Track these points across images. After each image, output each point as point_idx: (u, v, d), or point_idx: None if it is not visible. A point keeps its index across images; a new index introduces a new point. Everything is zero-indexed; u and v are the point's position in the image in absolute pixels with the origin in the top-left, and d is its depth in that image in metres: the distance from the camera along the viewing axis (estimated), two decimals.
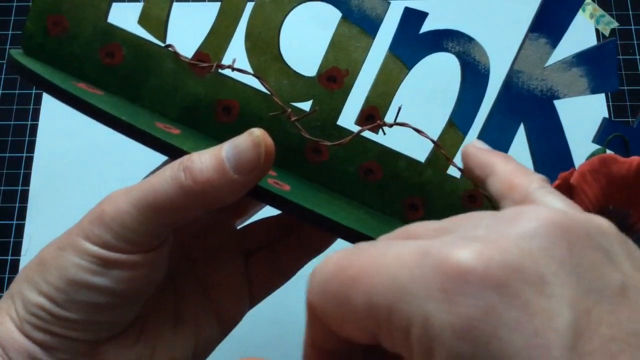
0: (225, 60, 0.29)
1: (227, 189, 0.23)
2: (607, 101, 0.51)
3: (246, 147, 0.23)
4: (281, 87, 0.29)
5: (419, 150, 0.30)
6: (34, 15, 0.29)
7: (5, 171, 0.49)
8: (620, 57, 0.52)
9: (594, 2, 0.40)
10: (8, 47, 0.53)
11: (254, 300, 0.31)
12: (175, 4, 0.30)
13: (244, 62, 0.29)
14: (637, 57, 0.52)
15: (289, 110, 0.28)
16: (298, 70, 0.29)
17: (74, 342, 0.23)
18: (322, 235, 0.32)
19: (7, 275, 0.46)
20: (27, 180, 0.48)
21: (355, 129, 0.29)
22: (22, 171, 0.48)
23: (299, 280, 0.40)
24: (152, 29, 0.29)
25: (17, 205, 0.47)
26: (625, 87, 0.51)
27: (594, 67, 0.28)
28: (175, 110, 0.30)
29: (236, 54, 0.29)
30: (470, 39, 0.29)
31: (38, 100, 0.50)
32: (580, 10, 0.27)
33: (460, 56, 0.29)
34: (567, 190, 0.27)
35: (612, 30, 0.43)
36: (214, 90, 0.29)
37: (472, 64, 0.29)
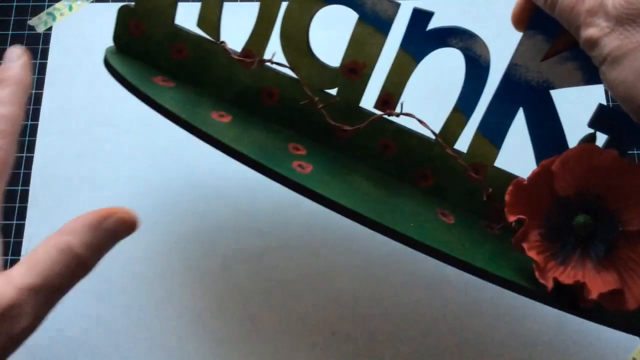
0: (266, 55, 0.35)
1: None
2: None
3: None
4: (311, 77, 0.35)
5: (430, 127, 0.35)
6: (119, 21, 0.36)
7: None
8: None
9: None
10: (8, 47, 0.50)
11: None
12: (225, 4, 0.35)
13: (281, 56, 0.35)
14: None
15: (316, 98, 0.34)
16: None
17: None
18: None
19: None
20: (27, 180, 0.47)
21: (373, 111, 0.35)
22: (22, 171, 0.47)
23: (297, 283, 0.42)
24: (208, 30, 0.36)
25: (17, 205, 0.46)
26: None
27: (587, 61, 0.30)
28: (231, 95, 0.37)
29: (276, 48, 0.35)
30: (472, 35, 0.32)
31: (38, 100, 0.49)
32: None
33: (463, 51, 0.32)
34: (548, 176, 0.31)
35: None
36: (258, 80, 0.36)
37: (474, 57, 0.32)
